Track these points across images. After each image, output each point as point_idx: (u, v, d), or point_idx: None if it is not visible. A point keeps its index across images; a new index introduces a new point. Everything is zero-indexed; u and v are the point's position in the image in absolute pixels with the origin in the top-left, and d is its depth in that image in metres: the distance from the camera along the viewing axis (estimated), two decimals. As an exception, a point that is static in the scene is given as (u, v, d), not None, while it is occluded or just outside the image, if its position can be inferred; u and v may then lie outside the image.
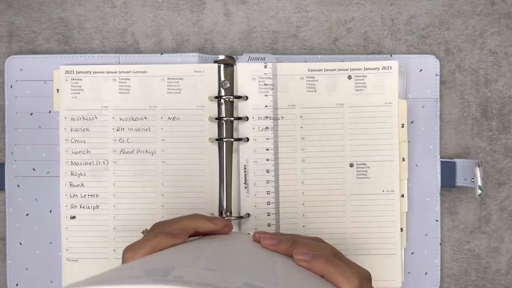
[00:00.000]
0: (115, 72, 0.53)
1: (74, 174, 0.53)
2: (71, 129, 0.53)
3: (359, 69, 0.52)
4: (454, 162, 0.53)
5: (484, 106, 0.56)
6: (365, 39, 0.56)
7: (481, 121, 0.56)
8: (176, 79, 0.53)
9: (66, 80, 0.53)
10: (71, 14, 0.57)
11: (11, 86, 0.54)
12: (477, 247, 0.57)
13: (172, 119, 0.53)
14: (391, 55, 0.54)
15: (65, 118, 0.53)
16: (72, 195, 0.53)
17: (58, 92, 0.53)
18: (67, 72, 0.53)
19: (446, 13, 0.56)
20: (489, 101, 0.56)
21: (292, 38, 0.56)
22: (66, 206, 0.53)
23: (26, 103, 0.54)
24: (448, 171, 0.53)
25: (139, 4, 0.57)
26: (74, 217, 0.53)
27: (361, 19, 0.56)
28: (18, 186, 0.54)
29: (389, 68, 0.52)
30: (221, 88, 0.53)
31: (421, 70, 0.54)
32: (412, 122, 0.53)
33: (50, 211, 0.54)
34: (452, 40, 0.56)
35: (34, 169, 0.54)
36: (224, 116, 0.53)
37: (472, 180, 0.52)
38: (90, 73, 0.53)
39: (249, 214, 0.52)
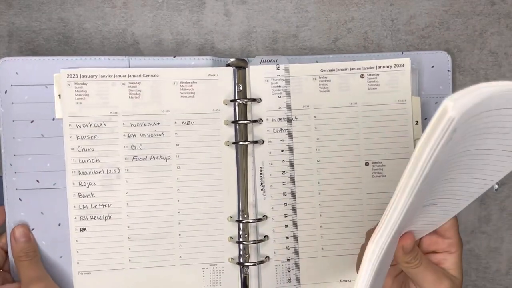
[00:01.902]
0: (124, 76, 0.51)
1: (82, 184, 0.51)
2: (77, 137, 0.50)
3: (371, 68, 0.53)
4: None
5: (483, 104, 0.57)
6: (365, 39, 0.57)
7: (480, 119, 0.58)
8: (189, 82, 0.51)
9: (69, 84, 0.50)
10: (71, 14, 0.54)
11: (5, 92, 0.50)
12: (477, 247, 0.58)
13: (186, 123, 0.51)
14: (402, 53, 0.55)
15: (69, 125, 0.50)
16: (81, 206, 0.51)
17: (60, 98, 0.50)
18: (69, 76, 0.50)
19: (446, 13, 0.57)
20: (488, 99, 0.58)
21: (292, 38, 0.56)
22: (75, 218, 0.51)
23: (25, 110, 0.51)
24: (462, 167, 0.55)
25: (139, 4, 0.55)
26: (84, 229, 0.51)
27: (361, 19, 0.57)
28: (20, 199, 0.51)
29: (402, 65, 0.53)
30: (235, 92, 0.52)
31: (433, 67, 0.55)
32: (425, 119, 0.54)
33: (59, 225, 0.51)
34: (452, 40, 0.57)
35: (38, 181, 0.51)
36: (239, 119, 0.52)
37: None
38: (96, 77, 0.50)
39: (266, 216, 0.52)
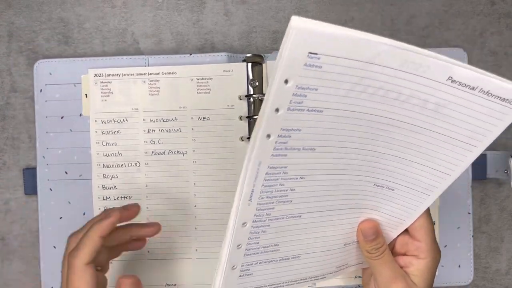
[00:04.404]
0: (145, 74, 0.53)
1: (106, 176, 0.53)
2: (102, 132, 0.53)
3: (388, 64, 0.52)
4: (485, 154, 0.53)
5: (484, 106, 0.55)
6: (364, 39, 0.56)
7: (481, 122, 0.56)
8: (205, 79, 0.53)
9: (96, 83, 0.53)
10: (71, 14, 0.56)
11: (40, 90, 0.54)
12: (477, 247, 0.57)
13: (202, 119, 0.53)
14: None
15: (95, 121, 0.53)
16: (105, 198, 0.53)
17: (86, 97, 0.54)
18: (96, 75, 0.53)
19: (446, 13, 0.56)
20: (489, 101, 0.55)
21: (292, 38, 0.56)
22: (99, 208, 0.53)
23: (57, 107, 0.54)
24: (479, 163, 0.53)
25: (139, 4, 0.57)
26: (107, 219, 0.53)
27: (361, 19, 0.56)
28: (51, 189, 0.54)
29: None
30: (249, 87, 0.53)
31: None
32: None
33: (84, 214, 0.54)
34: (452, 40, 0.56)
35: (66, 173, 0.54)
36: (254, 114, 0.53)
37: (505, 171, 0.51)
38: (120, 75, 0.53)
39: (281, 212, 0.52)
